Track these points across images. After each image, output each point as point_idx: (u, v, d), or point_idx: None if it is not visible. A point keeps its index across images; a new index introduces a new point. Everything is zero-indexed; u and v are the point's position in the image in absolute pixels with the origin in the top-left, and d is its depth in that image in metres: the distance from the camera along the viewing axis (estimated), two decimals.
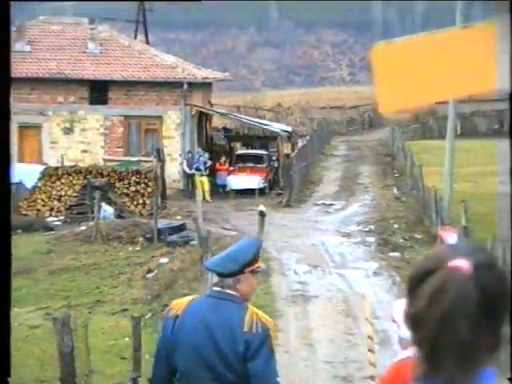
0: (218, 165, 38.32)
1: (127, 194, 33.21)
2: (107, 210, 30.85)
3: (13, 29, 40.17)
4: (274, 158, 40.19)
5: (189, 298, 5.94)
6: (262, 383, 5.44)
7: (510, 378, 2.92)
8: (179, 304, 5.70)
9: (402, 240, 25.74)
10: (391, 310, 5.88)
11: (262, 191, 36.67)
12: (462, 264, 2.09)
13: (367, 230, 27.55)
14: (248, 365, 5.36)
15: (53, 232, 28.66)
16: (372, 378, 6.97)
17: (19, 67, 37.49)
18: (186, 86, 37.55)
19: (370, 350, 6.90)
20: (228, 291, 5.48)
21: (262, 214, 20.79)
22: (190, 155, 37.21)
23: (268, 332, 5.42)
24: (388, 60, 3.73)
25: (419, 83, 3.88)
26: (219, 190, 36.83)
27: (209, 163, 37.64)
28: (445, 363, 2.12)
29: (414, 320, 2.16)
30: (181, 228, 29.36)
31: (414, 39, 4.20)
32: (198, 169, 36.56)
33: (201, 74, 40.37)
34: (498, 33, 4.23)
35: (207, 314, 5.50)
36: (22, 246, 26.29)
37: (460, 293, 2.08)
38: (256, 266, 5.56)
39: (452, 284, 2.09)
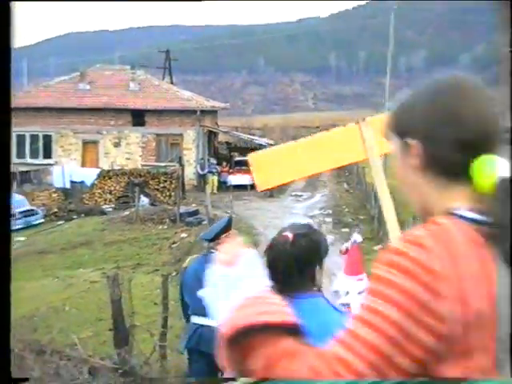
0: (221, 168, 38.39)
1: (158, 189, 33.34)
2: (144, 200, 30.90)
3: (77, 73, 40.11)
4: None
5: (194, 256, 6.73)
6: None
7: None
8: (187, 260, 6.81)
9: (350, 220, 25.84)
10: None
11: (252, 186, 36.73)
12: (288, 234, 2.80)
13: (326, 213, 27.72)
14: None
15: (106, 216, 28.74)
16: None
17: (82, 100, 37.51)
18: (199, 113, 37.60)
19: None
20: (211, 250, 6.03)
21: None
22: (202, 161, 37.27)
23: None
24: (265, 164, 4.35)
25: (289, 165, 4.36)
26: (222, 186, 36.87)
27: (217, 167, 37.86)
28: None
29: (268, 265, 2.74)
30: (195, 212, 29.39)
31: (288, 146, 4.67)
32: (210, 171, 36.73)
33: (209, 104, 40.45)
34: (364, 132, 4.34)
35: (197, 264, 6.13)
36: (85, 225, 26.37)
37: (280, 249, 2.79)
38: (228, 233, 6.08)
39: (277, 244, 2.82)
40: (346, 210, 28.29)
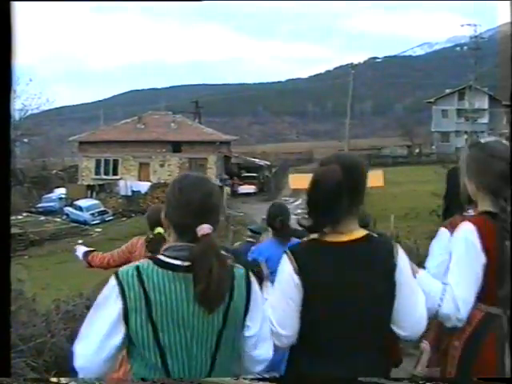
0: (232, 181, 38.38)
1: None
2: None
3: (135, 117, 40.01)
4: (261, 177, 40.25)
5: (238, 242, 6.37)
6: None
7: (508, 379, 1.90)
8: (236, 244, 6.38)
9: None
10: None
11: (255, 193, 36.79)
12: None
13: (306, 212, 27.56)
14: None
15: None
16: None
17: (139, 136, 37.46)
18: (218, 144, 37.66)
19: None
20: (251, 240, 5.45)
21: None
22: (220, 177, 37.34)
23: None
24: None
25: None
26: (234, 193, 36.85)
27: (229, 181, 37.85)
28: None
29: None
30: None
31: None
32: (225, 183, 36.73)
33: (225, 137, 40.40)
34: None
35: (242, 248, 5.50)
36: (140, 221, 26.32)
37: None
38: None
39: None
40: None
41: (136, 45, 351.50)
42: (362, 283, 1.78)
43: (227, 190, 35.54)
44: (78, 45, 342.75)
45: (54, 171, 42.81)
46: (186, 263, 1.62)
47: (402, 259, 1.83)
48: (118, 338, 1.62)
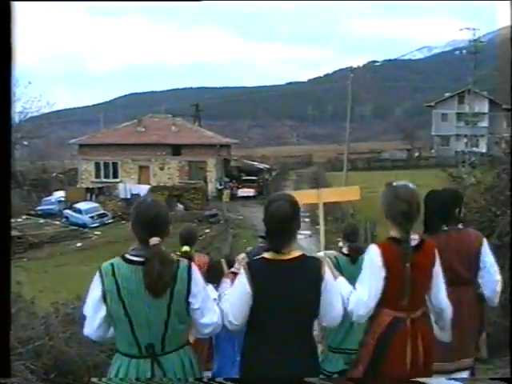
0: (232, 184, 38.28)
1: (189, 199, 33.33)
2: (179, 206, 30.95)
3: (136, 120, 40.01)
4: (260, 180, 40.20)
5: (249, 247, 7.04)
6: None
7: (508, 379, 2.10)
8: (248, 248, 6.97)
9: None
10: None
11: (254, 197, 36.73)
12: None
13: (305, 215, 27.51)
14: None
15: None
16: None
17: (139, 139, 37.51)
18: (218, 147, 37.63)
19: None
20: (262, 244, 5.86)
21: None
22: (220, 180, 37.31)
23: None
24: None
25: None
26: (233, 197, 36.82)
27: (229, 184, 37.78)
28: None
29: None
30: (215, 214, 29.47)
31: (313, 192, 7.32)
32: (224, 187, 36.68)
33: (225, 140, 40.41)
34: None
35: (253, 252, 5.95)
36: None
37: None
38: None
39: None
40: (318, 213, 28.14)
41: (136, 47, 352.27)
42: (297, 290, 2.45)
43: (226, 193, 35.54)
44: (77, 47, 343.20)
45: (54, 174, 42.79)
46: (142, 259, 2.38)
47: (327, 273, 2.52)
48: (102, 312, 2.39)
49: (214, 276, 3.24)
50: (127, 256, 2.41)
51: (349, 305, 2.59)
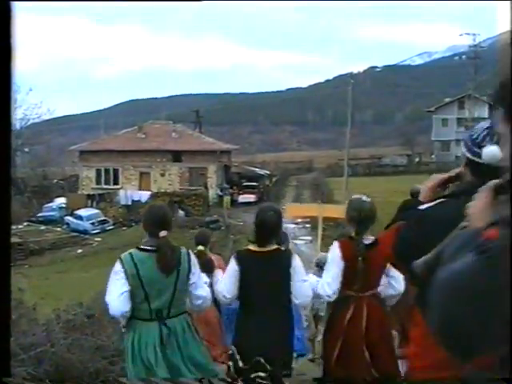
0: (232, 190, 38.23)
1: (190, 205, 33.26)
2: (180, 213, 30.92)
3: (136, 127, 40.02)
4: (261, 186, 40.16)
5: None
6: None
7: (508, 379, 2.04)
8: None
9: (323, 226, 25.73)
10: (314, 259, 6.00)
11: (255, 202, 36.64)
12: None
13: (306, 221, 27.57)
14: None
15: None
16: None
17: (140, 145, 37.53)
18: (218, 153, 37.65)
19: None
20: None
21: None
22: (220, 186, 37.27)
23: None
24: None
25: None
26: (234, 203, 36.76)
27: (230, 190, 37.71)
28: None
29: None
30: (216, 221, 29.42)
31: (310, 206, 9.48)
32: (225, 193, 36.63)
33: (225, 146, 40.43)
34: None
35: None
36: (140, 230, 26.18)
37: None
38: None
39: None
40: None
41: (136, 54, 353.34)
42: (273, 273, 3.29)
43: (227, 199, 35.51)
44: (78, 54, 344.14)
45: (55, 180, 42.80)
46: (154, 249, 3.12)
47: (296, 260, 3.33)
48: (126, 288, 3.07)
49: (207, 268, 3.90)
50: (141, 246, 3.15)
51: (318, 288, 3.45)
